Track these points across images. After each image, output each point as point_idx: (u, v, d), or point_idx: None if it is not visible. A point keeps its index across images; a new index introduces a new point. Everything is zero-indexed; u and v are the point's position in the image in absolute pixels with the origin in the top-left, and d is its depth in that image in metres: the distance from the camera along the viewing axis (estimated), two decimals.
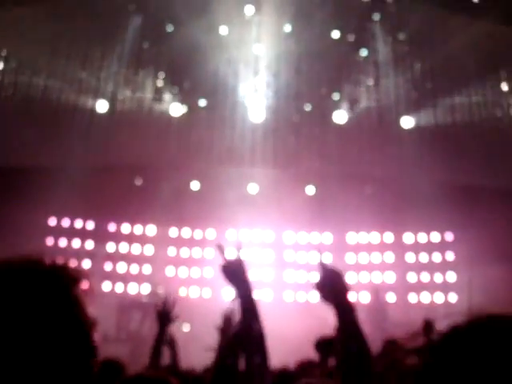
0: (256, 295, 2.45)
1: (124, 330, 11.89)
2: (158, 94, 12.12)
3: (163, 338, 3.79)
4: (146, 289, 12.32)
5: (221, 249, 2.43)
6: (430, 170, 11.09)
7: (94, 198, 11.70)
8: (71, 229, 12.52)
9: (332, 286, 2.08)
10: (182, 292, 12.37)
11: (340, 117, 12.12)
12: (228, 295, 12.16)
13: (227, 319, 3.80)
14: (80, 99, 11.71)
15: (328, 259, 12.61)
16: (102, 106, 11.92)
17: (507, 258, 10.28)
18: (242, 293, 2.39)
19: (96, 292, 12.44)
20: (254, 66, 11.75)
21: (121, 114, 11.76)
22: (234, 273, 2.38)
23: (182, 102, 12.20)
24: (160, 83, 12.11)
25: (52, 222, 12.43)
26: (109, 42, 11.38)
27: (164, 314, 3.87)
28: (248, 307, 2.34)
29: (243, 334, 2.31)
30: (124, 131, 11.42)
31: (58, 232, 12.46)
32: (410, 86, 11.55)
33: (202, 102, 12.08)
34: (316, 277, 2.13)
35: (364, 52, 11.84)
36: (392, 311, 11.99)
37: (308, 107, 12.07)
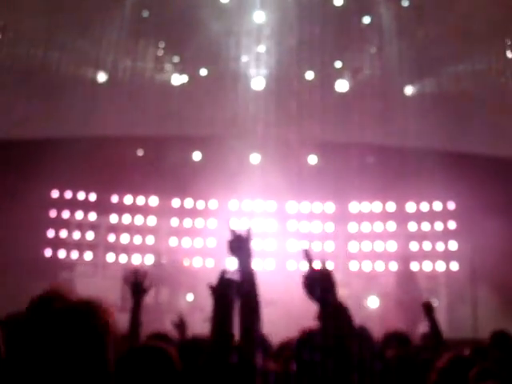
0: (256, 266, 2.54)
1: (129, 301, 11.98)
2: (158, 63, 12.00)
3: (139, 309, 3.83)
4: (149, 259, 12.39)
5: (232, 227, 2.63)
6: (433, 139, 11.03)
7: (96, 170, 11.68)
8: (74, 201, 12.55)
9: (318, 284, 2.07)
10: (186, 262, 12.46)
11: (342, 85, 12.01)
12: (231, 265, 12.24)
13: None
14: (80, 70, 11.59)
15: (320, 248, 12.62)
16: (102, 77, 11.81)
17: (508, 228, 10.29)
18: (244, 264, 2.45)
19: (100, 263, 12.56)
20: (256, 34, 11.60)
21: (121, 85, 11.65)
22: (239, 246, 2.49)
23: (183, 71, 12.08)
24: (160, 53, 11.98)
25: (54, 194, 12.44)
26: (108, 10, 11.22)
27: (136, 285, 3.91)
28: (248, 278, 2.47)
29: (243, 302, 2.43)
30: (125, 102, 11.34)
31: (61, 204, 12.49)
32: (414, 54, 11.41)
33: (203, 72, 11.96)
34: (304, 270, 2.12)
35: (367, 19, 11.67)
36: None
37: (310, 75, 11.94)
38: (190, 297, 11.97)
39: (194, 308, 11.34)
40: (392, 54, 11.57)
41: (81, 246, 12.62)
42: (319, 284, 2.04)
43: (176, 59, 11.99)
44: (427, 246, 12.29)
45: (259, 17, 11.64)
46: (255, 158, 12.22)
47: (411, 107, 11.58)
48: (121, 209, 12.63)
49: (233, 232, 2.56)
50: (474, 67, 11.24)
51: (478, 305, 10.79)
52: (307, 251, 2.14)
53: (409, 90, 11.90)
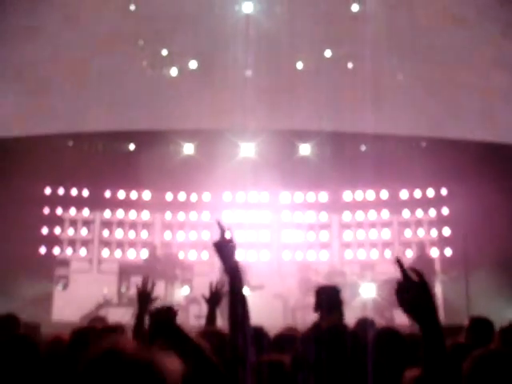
0: (242, 271, 2.65)
1: (125, 295, 12.03)
2: (147, 57, 11.93)
3: (143, 318, 3.89)
4: (144, 254, 12.39)
5: (220, 226, 2.71)
6: (425, 126, 11.05)
7: (88, 166, 11.65)
8: (67, 197, 12.51)
9: (418, 302, 1.85)
10: (181, 255, 12.47)
11: (332, 74, 11.98)
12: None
13: (215, 291, 4.08)
14: (69, 65, 11.50)
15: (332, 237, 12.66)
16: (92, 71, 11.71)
17: (499, 212, 10.33)
18: (230, 269, 2.63)
19: (95, 259, 12.55)
20: (244, 24, 11.56)
21: (111, 79, 11.59)
22: (225, 250, 2.59)
23: (173, 64, 12.03)
24: (149, 46, 11.91)
25: (47, 191, 12.40)
26: (94, 4, 11.15)
27: (144, 295, 4.04)
28: (234, 281, 2.58)
29: (231, 301, 2.56)
30: (115, 96, 11.28)
31: (54, 201, 12.45)
32: (404, 41, 11.41)
33: (193, 64, 11.92)
34: (399, 288, 1.92)
35: (355, 7, 11.65)
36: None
37: (300, 65, 11.92)
38: (185, 290, 11.98)
39: (190, 301, 11.36)
40: (381, 41, 11.55)
41: (75, 242, 12.61)
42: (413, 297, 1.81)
43: (165, 52, 11.93)
44: (421, 232, 12.34)
45: (247, 7, 11.60)
46: (247, 150, 12.21)
47: (402, 95, 11.59)
48: (114, 204, 12.61)
49: (221, 233, 2.67)
50: (463, 54, 11.24)
51: (471, 290, 10.86)
52: (400, 261, 1.96)
53: (399, 78, 11.89)
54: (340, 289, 4.68)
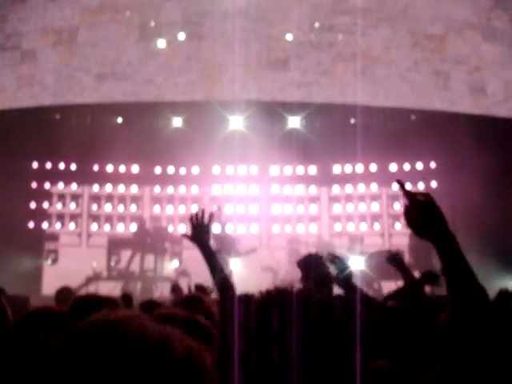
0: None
1: (115, 269, 12.06)
2: (134, 28, 11.75)
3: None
4: (133, 227, 12.38)
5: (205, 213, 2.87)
6: (414, 99, 11.03)
7: (75, 139, 11.53)
8: (54, 171, 12.42)
9: (424, 219, 1.80)
10: (170, 229, 12.47)
11: (322, 46, 11.87)
12: (215, 229, 12.28)
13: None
14: (53, 37, 11.33)
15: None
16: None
17: (487, 185, 10.37)
18: (203, 248, 2.78)
19: (84, 233, 12.53)
20: None
21: (98, 52, 11.43)
22: (199, 231, 2.63)
23: (160, 35, 11.85)
24: (136, 17, 11.72)
25: (34, 165, 12.30)
26: None
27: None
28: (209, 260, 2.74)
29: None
30: (101, 67, 11.13)
31: (42, 175, 12.37)
32: (393, 11, 11.31)
33: (182, 36, 11.76)
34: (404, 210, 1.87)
35: None
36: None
37: (290, 37, 11.80)
38: (175, 263, 12.02)
39: (180, 274, 11.41)
40: (372, 13, 11.45)
41: (64, 216, 12.56)
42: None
43: (152, 24, 11.76)
44: None
45: None
46: (236, 123, 12.13)
47: (392, 67, 11.53)
48: (102, 178, 12.54)
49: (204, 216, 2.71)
50: (454, 26, 11.18)
51: None
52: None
53: (389, 50, 11.81)
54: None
